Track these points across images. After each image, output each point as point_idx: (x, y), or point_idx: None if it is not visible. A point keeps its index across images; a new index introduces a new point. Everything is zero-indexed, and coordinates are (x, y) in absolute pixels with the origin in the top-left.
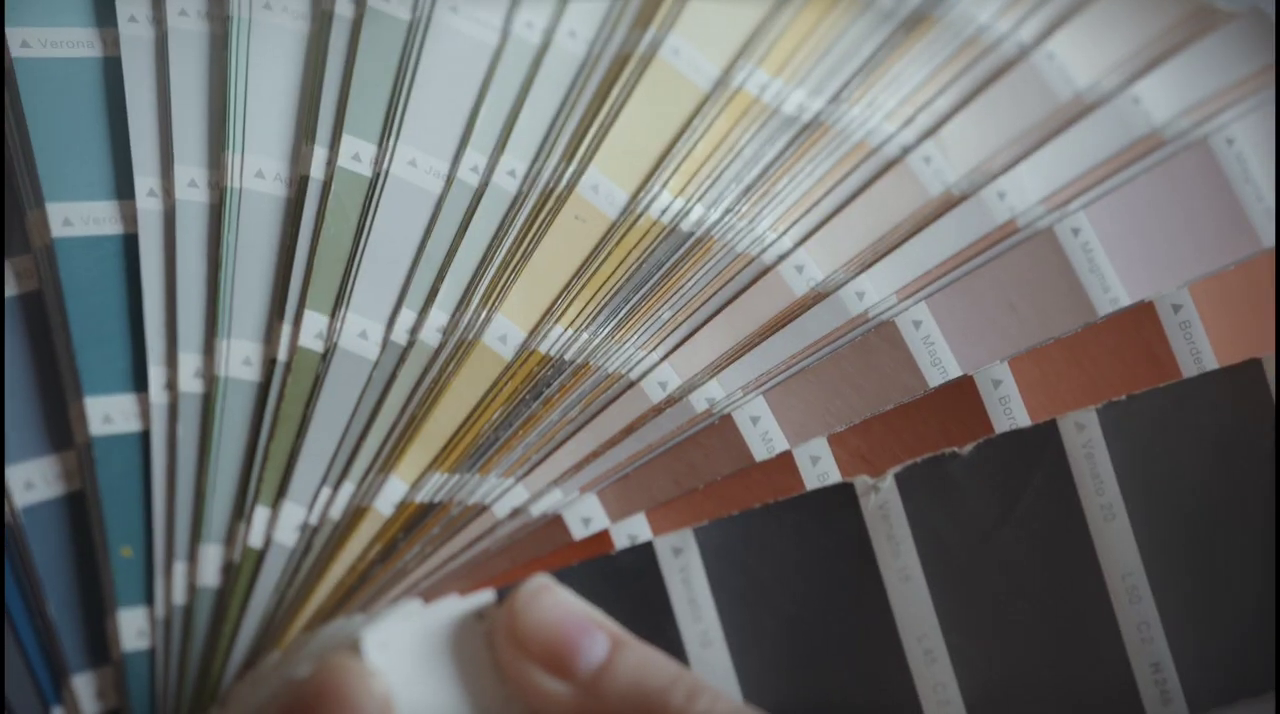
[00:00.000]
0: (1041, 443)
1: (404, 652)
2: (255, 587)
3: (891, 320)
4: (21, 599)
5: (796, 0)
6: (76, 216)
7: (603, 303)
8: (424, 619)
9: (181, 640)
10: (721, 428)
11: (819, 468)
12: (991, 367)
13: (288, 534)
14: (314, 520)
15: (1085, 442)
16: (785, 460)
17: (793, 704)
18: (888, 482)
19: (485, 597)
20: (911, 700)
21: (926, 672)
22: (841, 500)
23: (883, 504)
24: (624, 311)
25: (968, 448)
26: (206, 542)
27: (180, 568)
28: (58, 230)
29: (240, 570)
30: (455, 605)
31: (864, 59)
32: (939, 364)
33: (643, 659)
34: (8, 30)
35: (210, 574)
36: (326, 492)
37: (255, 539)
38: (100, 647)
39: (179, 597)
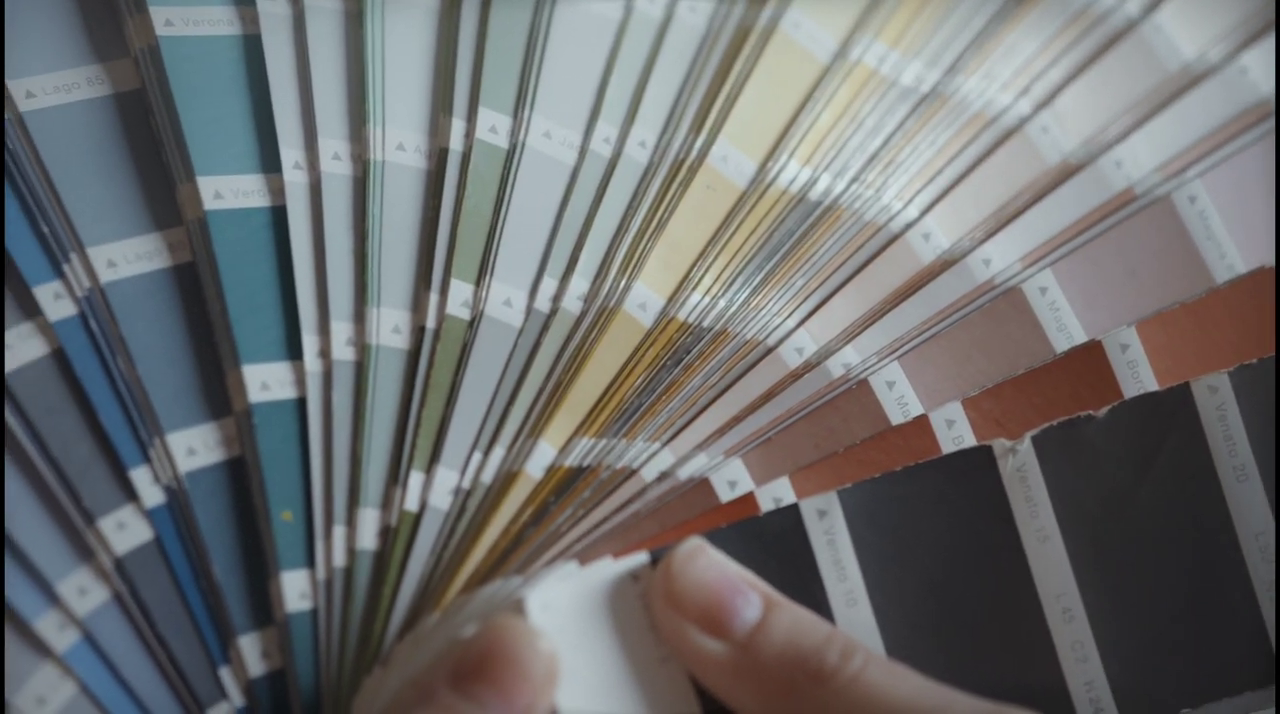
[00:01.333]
0: (1174, 406)
1: (564, 612)
2: (412, 549)
3: (1018, 287)
4: (188, 563)
5: None
6: (226, 189)
7: (738, 270)
8: (581, 581)
9: (343, 602)
10: (858, 392)
11: (954, 431)
12: (1119, 331)
13: (442, 498)
14: (466, 484)
15: (1218, 404)
16: (921, 424)
17: (934, 661)
18: (1025, 444)
19: (639, 559)
20: (1050, 658)
21: (1065, 629)
22: (980, 462)
23: (1020, 466)
24: (759, 279)
25: (1103, 411)
26: (364, 506)
27: (339, 531)
28: (209, 203)
29: (397, 534)
30: (610, 567)
31: (976, 31)
32: (1064, 329)
33: (796, 618)
34: (153, 9)
35: (369, 537)
36: (478, 456)
37: (411, 503)
38: (264, 608)
39: (339, 559)
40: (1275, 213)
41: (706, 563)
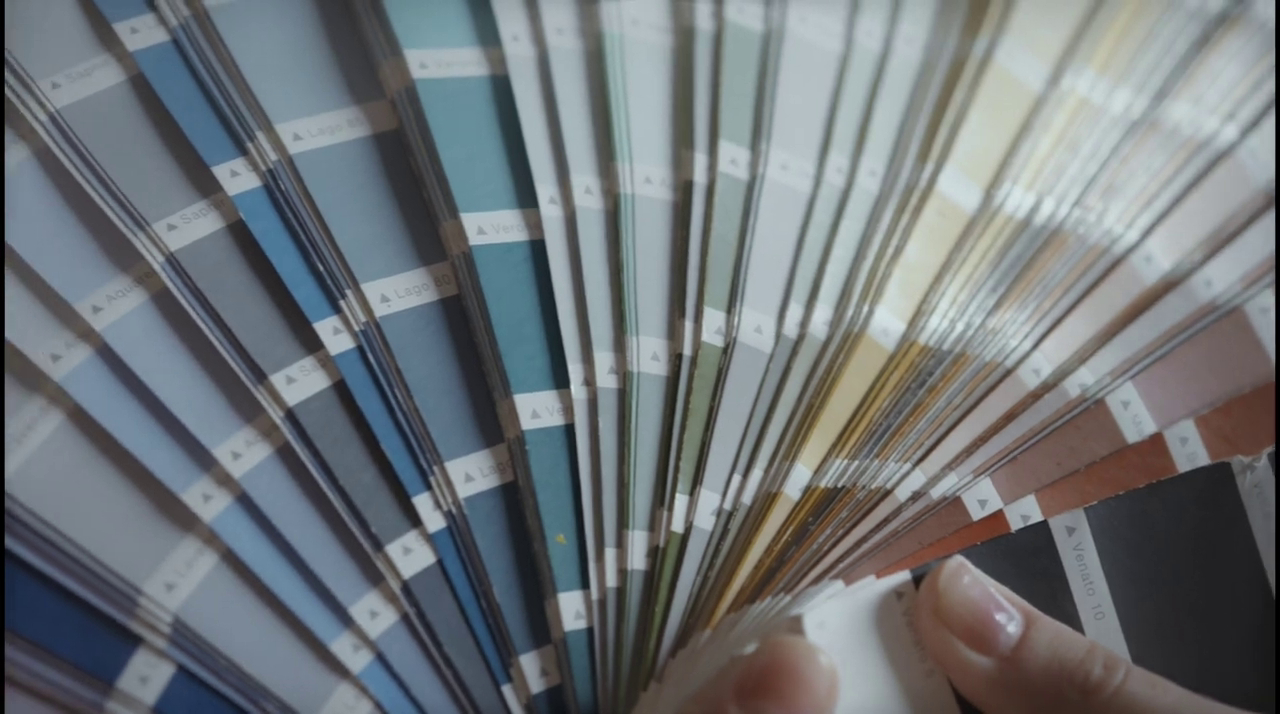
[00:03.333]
0: None
1: (836, 629)
2: (680, 569)
3: (1240, 307)
4: (469, 585)
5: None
6: (488, 225)
7: (972, 294)
8: (849, 599)
9: (616, 621)
10: (1095, 412)
11: (1187, 448)
12: None
13: (705, 519)
14: (728, 506)
15: None
16: (1156, 441)
17: (1181, 673)
18: (1262, 461)
19: (902, 577)
20: None
21: None
22: (1218, 479)
23: (1258, 482)
24: (992, 302)
25: None
26: (633, 528)
27: (610, 553)
28: (474, 239)
29: (665, 554)
30: (875, 586)
31: (1179, 56)
32: None
33: (1056, 633)
34: (408, 53)
35: (638, 558)
36: (737, 478)
37: (677, 525)
38: (541, 628)
39: (611, 580)
40: (1276, 215)
41: (970, 580)
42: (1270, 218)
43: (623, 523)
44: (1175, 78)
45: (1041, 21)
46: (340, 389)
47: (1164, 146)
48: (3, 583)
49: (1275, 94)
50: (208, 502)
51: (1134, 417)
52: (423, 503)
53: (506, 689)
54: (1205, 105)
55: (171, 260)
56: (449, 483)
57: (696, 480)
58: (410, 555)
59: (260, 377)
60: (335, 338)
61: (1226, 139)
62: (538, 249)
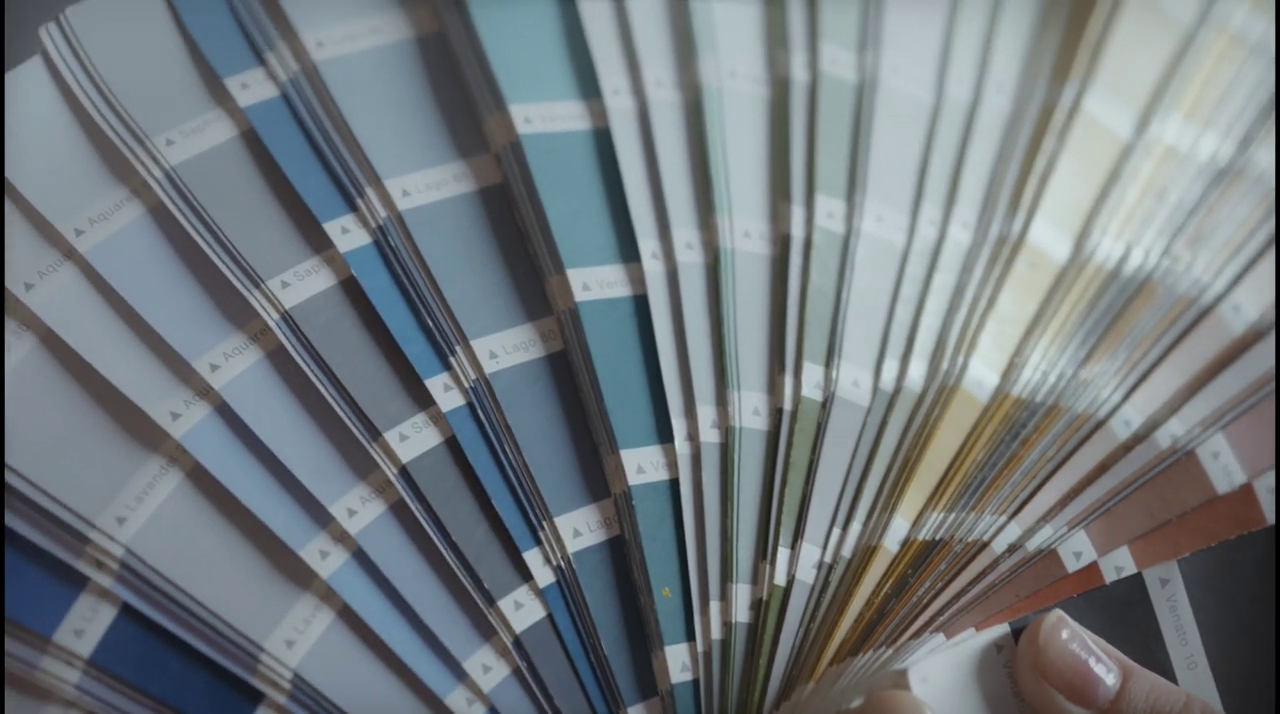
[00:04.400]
0: None
1: (940, 683)
2: (783, 622)
3: None
4: (578, 638)
5: (1197, 48)
6: (593, 281)
7: (1064, 346)
8: (950, 653)
9: (721, 673)
10: (1186, 463)
11: (1276, 498)
12: None
13: (807, 572)
14: (828, 559)
15: None
16: (1246, 492)
17: None
18: None
19: (1001, 630)
20: None
21: None
22: None
23: None
24: (1084, 354)
25: None
26: (736, 581)
27: (715, 606)
28: (579, 295)
29: (768, 607)
30: (975, 639)
31: (1263, 103)
32: None
33: (1153, 685)
34: (512, 107)
35: (742, 611)
36: (837, 531)
37: (779, 577)
38: (648, 680)
39: (715, 632)
40: (1275, 218)
41: (1069, 634)
42: None
43: (726, 576)
44: (1259, 124)
45: (1129, 67)
46: (452, 445)
47: (1249, 194)
48: (2, 579)
49: (1276, 95)
50: (325, 558)
51: (1224, 467)
52: (533, 558)
53: None
54: None
55: (286, 318)
56: (558, 538)
57: (798, 533)
58: (521, 610)
59: (375, 434)
60: (446, 395)
61: None
62: (641, 304)
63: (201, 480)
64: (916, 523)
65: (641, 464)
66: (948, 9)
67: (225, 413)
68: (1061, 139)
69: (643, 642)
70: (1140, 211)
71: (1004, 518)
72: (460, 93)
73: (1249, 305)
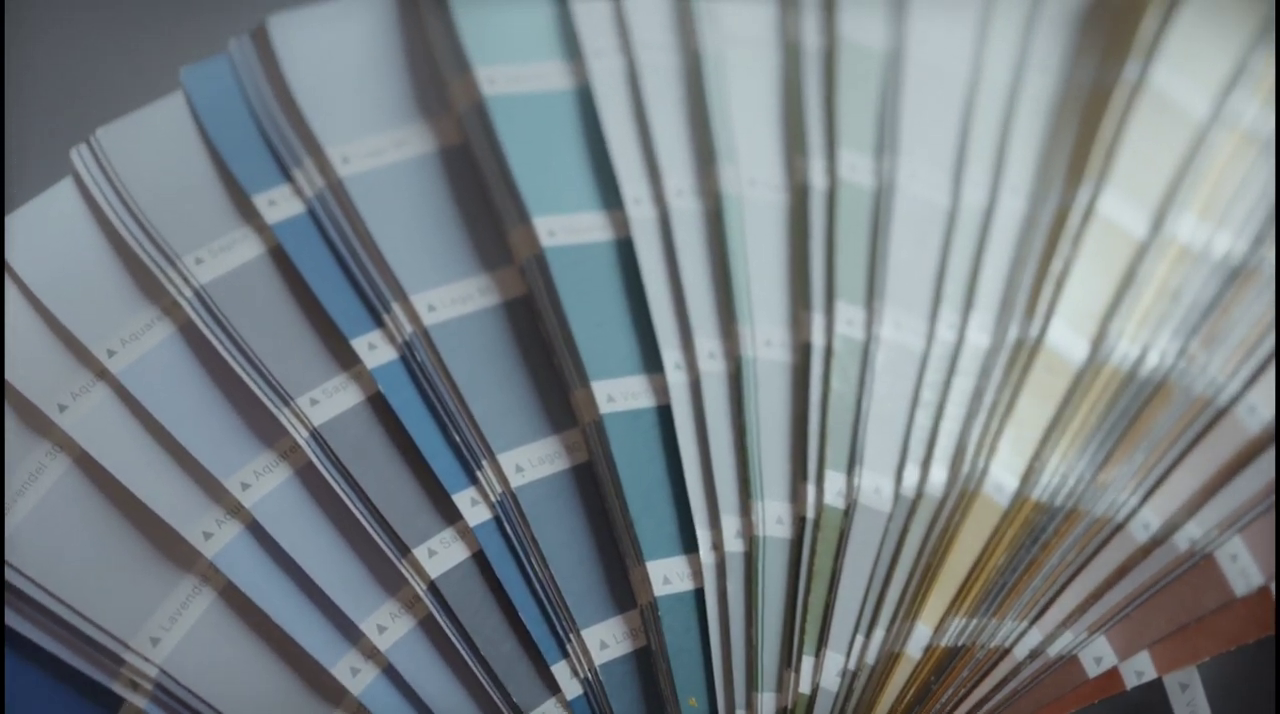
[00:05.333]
0: None
1: None
2: None
3: None
4: None
5: (1209, 145)
6: (617, 392)
7: (1082, 449)
8: None
9: None
10: (1205, 566)
11: None
12: None
13: (831, 680)
14: (852, 666)
15: None
16: (1264, 594)
17: None
18: None
19: None
20: None
21: None
22: None
23: None
24: (1102, 457)
25: None
26: (761, 690)
27: None
28: (604, 407)
29: None
30: None
31: (1275, 201)
32: None
33: None
34: (536, 220)
35: None
36: (860, 639)
37: (804, 686)
38: None
39: None
40: (1275, 215)
41: None
42: None
43: (752, 685)
44: (1272, 222)
45: (1143, 166)
46: (479, 559)
47: (1263, 293)
48: (2, 596)
49: (1276, 99)
50: (356, 675)
51: (1242, 569)
52: (560, 671)
53: None
54: None
55: (315, 435)
56: (585, 651)
57: (821, 641)
58: None
59: (404, 550)
60: (473, 509)
61: None
62: (664, 414)
63: (234, 599)
64: (939, 629)
65: (667, 575)
66: (962, 112)
67: (256, 530)
68: (1077, 241)
69: None
70: (1156, 312)
71: (1025, 623)
72: (484, 205)
73: (1264, 406)
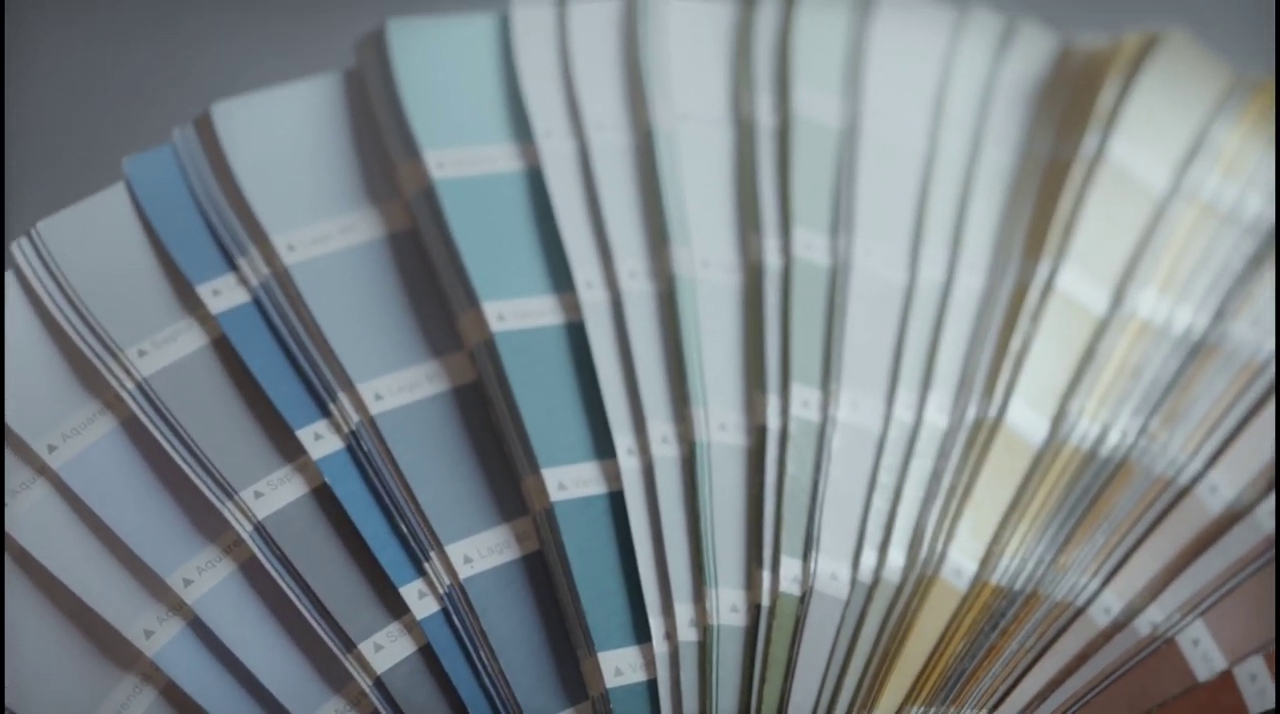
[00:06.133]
0: None
1: None
2: None
3: None
4: None
5: (1169, 219)
6: (569, 480)
7: (1041, 531)
8: None
9: None
10: (1166, 650)
11: (1257, 685)
12: None
13: None
14: None
15: None
16: (1226, 679)
17: None
18: None
19: None
20: None
21: None
22: None
23: None
24: (1061, 539)
25: None
26: None
27: None
28: (555, 495)
29: None
30: None
31: (1237, 274)
32: None
33: None
34: (485, 305)
35: None
36: None
37: None
38: None
39: None
40: (1275, 216)
41: None
42: None
43: None
44: (1234, 296)
45: (1102, 241)
46: (426, 653)
47: (1224, 369)
48: (2, 587)
49: (1275, 103)
50: None
51: (1204, 654)
52: None
53: None
54: (1263, 326)
55: (259, 529)
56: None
57: None
58: None
59: (349, 645)
60: (421, 602)
61: None
62: (616, 501)
63: (175, 698)
64: None
65: (620, 665)
66: (919, 188)
67: (199, 627)
68: (1036, 318)
69: None
70: (1116, 390)
71: (984, 712)
72: (433, 290)
73: (1225, 485)
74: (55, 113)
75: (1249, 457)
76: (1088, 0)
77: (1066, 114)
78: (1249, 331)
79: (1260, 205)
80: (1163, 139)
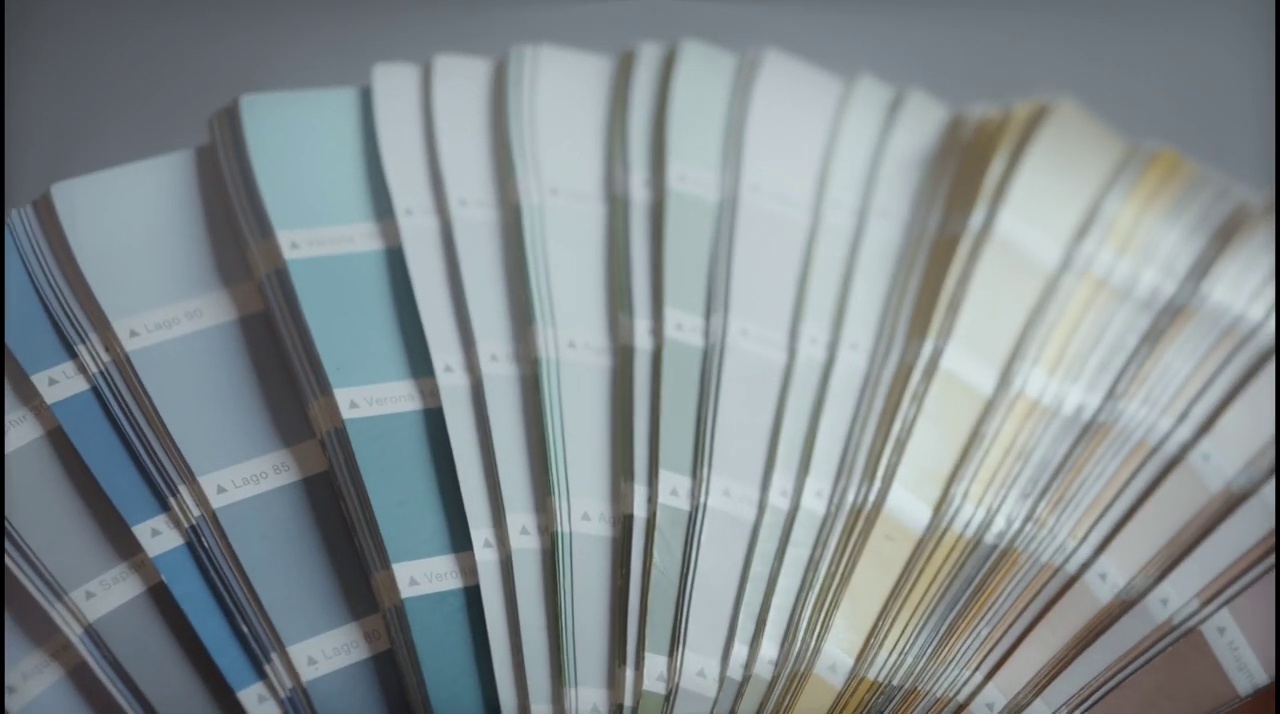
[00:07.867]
0: None
1: None
2: None
3: (1198, 628)
4: None
5: (1060, 295)
6: (421, 574)
7: (921, 623)
8: None
9: None
10: None
11: None
12: None
13: None
14: None
15: None
16: None
17: None
18: None
19: None
20: None
21: None
22: None
23: None
24: (943, 631)
25: None
26: None
27: None
28: (406, 590)
29: None
30: None
31: (1130, 352)
32: (1244, 669)
33: None
34: (337, 392)
35: None
36: None
37: None
38: None
39: None
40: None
41: None
42: (1223, 529)
43: None
44: (1127, 375)
45: (989, 318)
46: None
47: (1116, 451)
48: (2, 583)
49: (1276, 105)
50: None
51: None
52: None
53: None
54: (1156, 404)
55: (90, 631)
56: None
57: None
58: None
59: None
60: (261, 706)
61: (1179, 441)
62: (473, 596)
63: None
64: None
65: None
66: (800, 263)
67: None
68: (919, 399)
69: None
70: (1003, 473)
71: None
72: (284, 376)
73: (1116, 572)
74: (56, 112)
75: (1141, 542)
76: (1089, 5)
77: (955, 187)
78: (1142, 410)
79: (1155, 279)
80: (1053, 212)
